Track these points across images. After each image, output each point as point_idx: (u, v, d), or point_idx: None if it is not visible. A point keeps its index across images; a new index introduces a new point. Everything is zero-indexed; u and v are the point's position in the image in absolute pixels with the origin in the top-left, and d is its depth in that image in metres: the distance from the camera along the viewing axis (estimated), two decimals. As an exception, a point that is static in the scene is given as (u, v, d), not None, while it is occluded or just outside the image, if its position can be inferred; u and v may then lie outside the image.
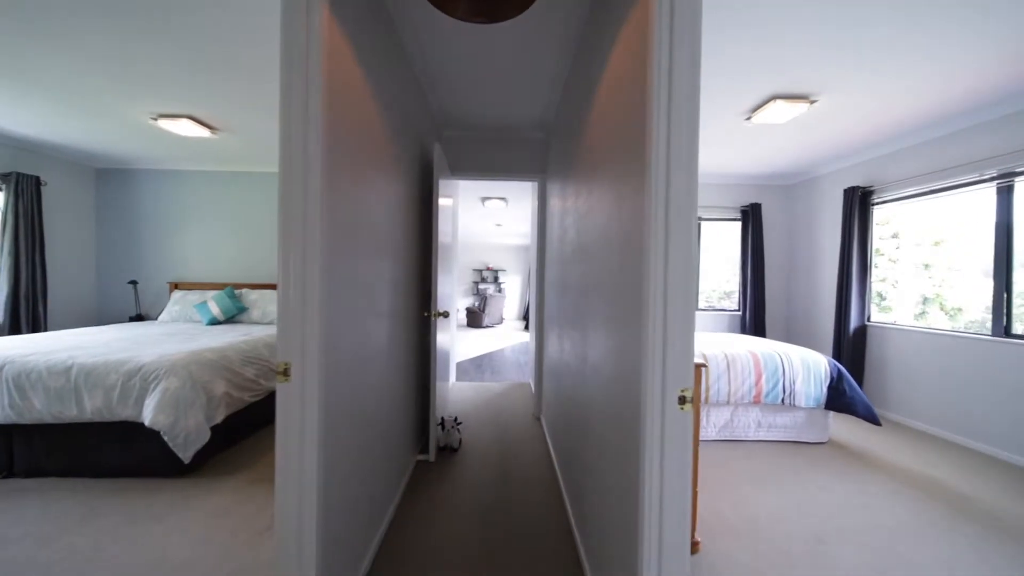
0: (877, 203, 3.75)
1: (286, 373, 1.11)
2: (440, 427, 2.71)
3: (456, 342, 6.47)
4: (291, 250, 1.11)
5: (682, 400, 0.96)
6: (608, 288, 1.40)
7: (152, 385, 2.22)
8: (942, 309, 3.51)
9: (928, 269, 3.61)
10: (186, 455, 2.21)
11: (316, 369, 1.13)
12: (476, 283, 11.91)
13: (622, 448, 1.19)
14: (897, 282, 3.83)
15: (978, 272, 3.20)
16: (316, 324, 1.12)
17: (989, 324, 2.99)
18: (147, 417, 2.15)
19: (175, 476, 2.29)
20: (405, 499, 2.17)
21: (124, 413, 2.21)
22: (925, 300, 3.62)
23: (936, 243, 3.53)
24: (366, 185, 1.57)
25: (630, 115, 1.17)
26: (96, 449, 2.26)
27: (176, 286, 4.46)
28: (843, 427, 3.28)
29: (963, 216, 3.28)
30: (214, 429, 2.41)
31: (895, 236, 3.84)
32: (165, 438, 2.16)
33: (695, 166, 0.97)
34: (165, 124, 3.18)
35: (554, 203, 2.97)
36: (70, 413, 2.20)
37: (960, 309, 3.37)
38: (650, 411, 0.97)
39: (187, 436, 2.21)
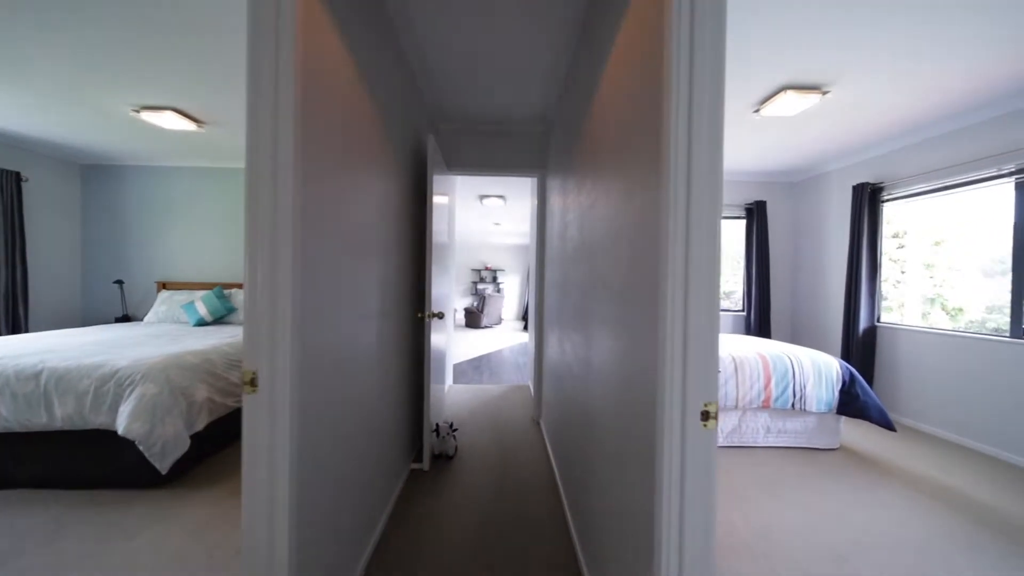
0: (887, 200, 3.63)
1: (253, 383, 0.98)
2: (435, 434, 2.58)
3: (454, 343, 6.34)
4: (258, 247, 0.98)
5: (705, 416, 0.83)
6: (616, 288, 1.27)
7: (127, 391, 2.08)
8: (943, 309, 3.46)
9: (931, 268, 3.55)
10: (163, 465, 2.08)
11: (287, 378, 1.00)
12: (475, 283, 11.78)
13: (633, 464, 1.07)
14: (899, 282, 3.74)
15: (981, 271, 3.15)
16: (287, 328, 0.99)
17: (988, 324, 2.89)
18: (121, 425, 2.02)
19: (152, 487, 2.16)
20: (397, 511, 2.04)
21: (97, 421, 2.07)
22: (933, 300, 3.53)
23: (937, 243, 3.48)
24: (352, 178, 1.44)
25: (643, 99, 1.05)
26: (68, 459, 2.12)
27: (164, 286, 4.32)
28: (854, 432, 3.16)
29: (968, 214, 3.21)
30: (195, 437, 2.28)
31: (896, 236, 3.75)
32: (140, 447, 2.03)
33: (719, 154, 0.85)
34: (148, 116, 3.04)
35: (555, 199, 2.84)
36: (39, 421, 2.06)
37: (961, 309, 3.32)
38: (668, 428, 0.84)
39: (164, 445, 2.07)
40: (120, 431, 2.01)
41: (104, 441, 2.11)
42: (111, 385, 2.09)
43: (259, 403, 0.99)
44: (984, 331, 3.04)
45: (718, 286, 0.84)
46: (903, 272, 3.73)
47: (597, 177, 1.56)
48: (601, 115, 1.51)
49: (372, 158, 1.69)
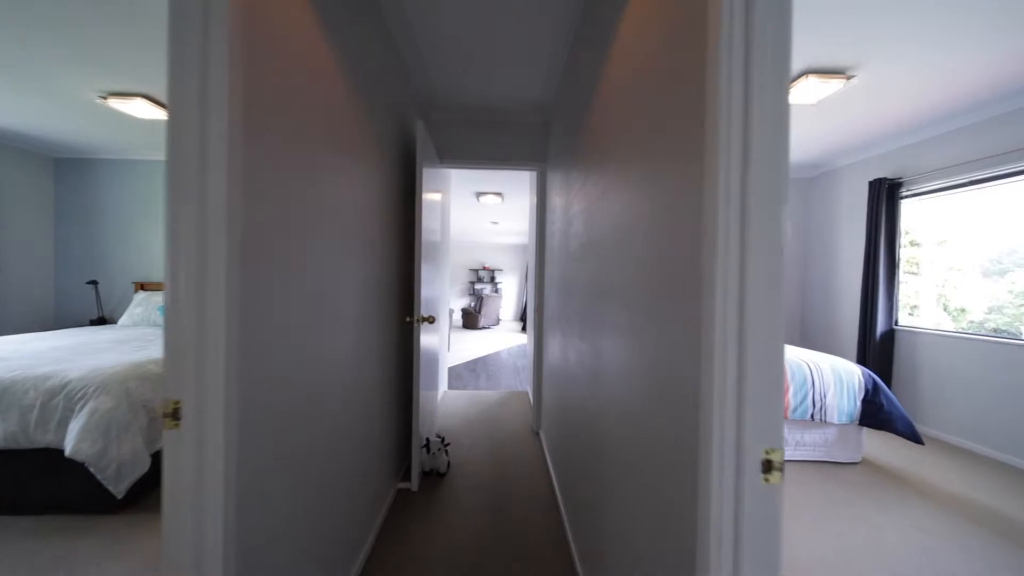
0: (907, 196, 3.43)
1: (175, 416, 0.77)
2: (425, 449, 2.36)
3: (449, 345, 6.12)
4: (181, 250, 0.76)
5: (767, 467, 0.62)
6: (633, 292, 1.06)
7: (78, 405, 1.86)
8: (945, 310, 3.36)
9: (937, 268, 3.41)
10: (119, 489, 1.85)
11: (221, 407, 0.78)
12: (472, 283, 11.56)
13: (660, 510, 0.86)
14: (902, 282, 3.56)
15: (982, 270, 3.11)
16: (221, 348, 0.77)
17: (988, 324, 2.87)
18: (68, 445, 1.79)
19: (107, 513, 1.93)
20: (380, 540, 1.82)
21: (44, 439, 1.85)
22: (937, 300, 3.36)
23: (941, 242, 3.36)
24: (321, 169, 1.23)
25: (672, 63, 0.83)
26: (11, 481, 1.89)
27: (142, 286, 4.09)
28: (876, 444, 2.96)
29: (979, 212, 3.09)
30: (158, 456, 2.05)
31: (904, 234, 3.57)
32: (91, 470, 1.80)
33: (785, 133, 0.64)
34: (117, 104, 2.81)
35: (556, 193, 2.63)
36: (-22, 439, 1.84)
37: (964, 310, 3.23)
38: (716, 483, 0.63)
39: (120, 466, 1.85)
40: (67, 452, 1.78)
41: (53, 461, 1.88)
42: (60, 399, 1.86)
43: (182, 441, 0.77)
44: (1010, 335, 2.85)
45: (782, 295, 0.63)
46: (907, 272, 3.56)
47: (608, 160, 1.35)
48: (612, 92, 1.29)
49: (348, 142, 1.47)
